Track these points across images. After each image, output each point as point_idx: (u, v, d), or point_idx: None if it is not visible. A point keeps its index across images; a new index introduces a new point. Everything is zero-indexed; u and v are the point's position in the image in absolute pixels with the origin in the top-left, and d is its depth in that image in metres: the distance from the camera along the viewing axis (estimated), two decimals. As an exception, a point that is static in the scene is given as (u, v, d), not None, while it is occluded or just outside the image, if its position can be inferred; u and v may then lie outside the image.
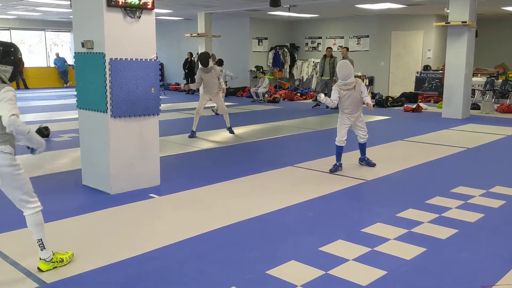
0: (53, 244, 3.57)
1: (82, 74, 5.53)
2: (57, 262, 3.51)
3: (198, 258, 3.77)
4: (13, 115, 3.00)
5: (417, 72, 16.42)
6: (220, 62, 14.23)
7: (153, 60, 5.57)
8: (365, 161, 6.79)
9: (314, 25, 19.23)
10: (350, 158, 6.94)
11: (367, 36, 17.71)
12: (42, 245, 3.42)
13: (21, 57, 3.33)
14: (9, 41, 3.29)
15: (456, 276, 3.46)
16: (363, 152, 6.79)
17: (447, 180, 6.08)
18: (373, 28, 17.49)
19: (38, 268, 3.48)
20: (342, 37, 18.42)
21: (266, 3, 12.22)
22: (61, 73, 22.46)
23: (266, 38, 19.47)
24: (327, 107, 11.16)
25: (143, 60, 5.46)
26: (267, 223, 4.59)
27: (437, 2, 12.86)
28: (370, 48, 17.66)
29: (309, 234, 4.28)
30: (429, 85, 15.98)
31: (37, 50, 23.61)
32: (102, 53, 5.19)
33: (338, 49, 17.52)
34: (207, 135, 9.50)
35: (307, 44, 19.70)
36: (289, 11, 14.73)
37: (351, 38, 18.15)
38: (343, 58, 13.53)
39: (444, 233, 4.26)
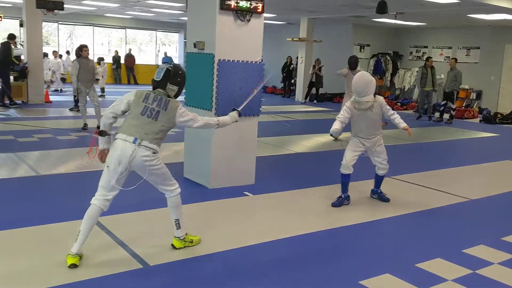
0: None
1: (192, 73, 5.81)
2: (188, 242, 3.89)
3: (288, 260, 3.81)
4: (199, 123, 3.73)
5: (532, 88, 15.15)
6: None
7: (258, 62, 5.72)
8: (377, 194, 5.54)
9: (420, 34, 18.50)
10: (453, 174, 6.60)
11: (478, 48, 16.68)
12: (178, 224, 3.83)
13: (184, 81, 3.78)
14: (178, 64, 3.87)
15: None
16: (377, 183, 5.52)
17: None
18: (485, 39, 16.43)
19: (172, 245, 3.86)
20: (450, 47, 17.53)
21: (372, 10, 12.00)
22: (168, 71, 23.70)
23: (368, 45, 19.10)
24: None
25: (249, 62, 5.63)
26: (362, 233, 4.52)
27: (563, 13, 11.78)
28: (480, 60, 16.62)
29: (406, 249, 4.15)
30: (545, 103, 14.67)
31: (147, 48, 25.24)
32: (212, 54, 5.43)
33: (445, 59, 16.71)
34: (301, 139, 9.53)
35: (411, 53, 19.01)
36: (395, 19, 14.32)
37: (460, 49, 17.21)
38: (451, 69, 12.91)
39: (557, 264, 3.91)
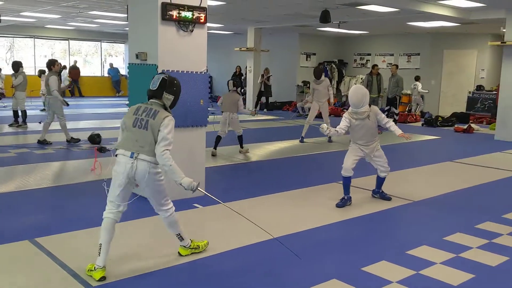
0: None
1: (135, 85, 5.71)
2: (194, 248, 4.00)
3: (242, 271, 3.79)
4: (165, 150, 3.45)
5: (469, 92, 15.93)
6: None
7: (203, 73, 5.69)
8: (379, 194, 6.03)
9: (364, 42, 19.09)
10: (396, 177, 6.79)
11: (418, 54, 17.39)
12: (180, 238, 3.91)
13: (180, 91, 3.75)
14: (172, 76, 3.78)
15: (506, 306, 3.31)
16: (379, 185, 6.00)
17: (499, 205, 5.84)
18: (425, 46, 17.17)
19: (178, 253, 3.97)
20: (392, 54, 18.18)
21: (316, 19, 12.26)
22: (114, 83, 23.22)
23: (314, 54, 19.49)
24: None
25: (194, 72, 5.59)
26: (309, 239, 4.55)
27: (493, 21, 12.48)
28: (421, 66, 17.33)
29: (351, 253, 4.21)
30: (482, 106, 15.47)
31: (93, 60, 24.63)
32: (155, 65, 5.35)
33: (388, 66, 17.29)
34: (251, 148, 9.54)
35: (355, 60, 19.56)
36: (338, 28, 14.70)
37: (401, 55, 17.88)
38: (392, 75, 13.33)
39: (494, 260, 4.09)
